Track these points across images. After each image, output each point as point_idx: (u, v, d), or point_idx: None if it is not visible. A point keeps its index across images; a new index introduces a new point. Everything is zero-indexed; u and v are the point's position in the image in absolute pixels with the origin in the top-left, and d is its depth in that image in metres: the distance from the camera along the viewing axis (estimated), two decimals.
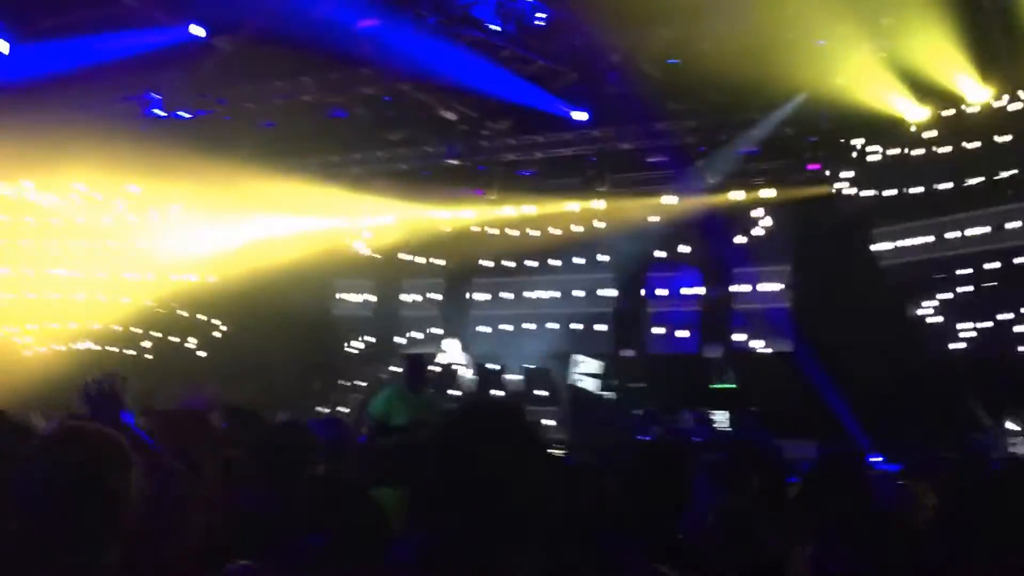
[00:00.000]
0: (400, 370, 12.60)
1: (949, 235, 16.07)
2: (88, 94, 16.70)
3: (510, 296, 21.38)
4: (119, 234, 21.78)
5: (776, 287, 18.53)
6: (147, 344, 21.39)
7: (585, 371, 18.35)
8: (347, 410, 17.34)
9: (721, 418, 15.85)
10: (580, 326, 20.60)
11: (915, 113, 15.19)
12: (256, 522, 4.22)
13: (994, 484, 5.45)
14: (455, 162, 19.31)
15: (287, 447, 5.27)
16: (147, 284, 21.39)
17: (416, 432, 9.08)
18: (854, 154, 16.53)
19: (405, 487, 5.77)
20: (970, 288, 15.94)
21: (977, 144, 15.22)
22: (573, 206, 20.17)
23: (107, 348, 21.37)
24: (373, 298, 22.61)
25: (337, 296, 22.65)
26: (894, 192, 16.39)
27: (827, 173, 17.13)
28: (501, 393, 18.14)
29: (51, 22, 14.97)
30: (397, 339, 21.60)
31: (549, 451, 3.18)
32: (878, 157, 16.27)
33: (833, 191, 16.95)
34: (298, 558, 3.58)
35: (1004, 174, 15.18)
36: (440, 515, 2.85)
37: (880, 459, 12.94)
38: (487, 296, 21.59)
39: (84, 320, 21.50)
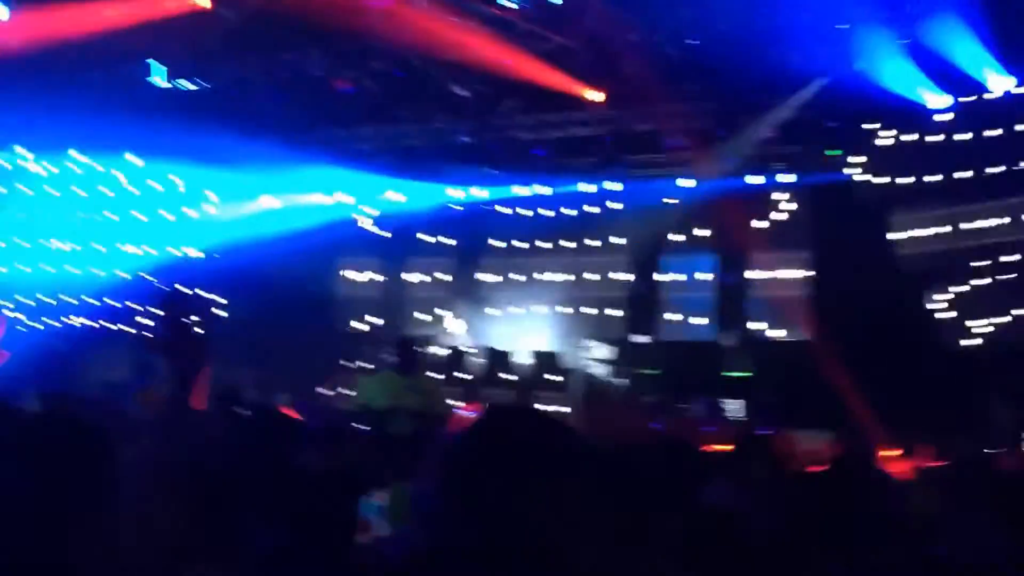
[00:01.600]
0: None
1: (966, 225, 15.85)
2: (88, 61, 16.49)
3: (521, 278, 21.11)
4: (117, 206, 21.49)
5: (793, 274, 18.25)
6: (146, 321, 21.08)
7: (596, 356, 18.14)
8: (353, 393, 17.10)
9: (734, 406, 15.71)
10: (592, 310, 20.35)
11: (936, 100, 15.01)
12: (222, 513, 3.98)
13: (1010, 481, 5.25)
14: (467, 139, 19.10)
15: (260, 435, 4.98)
16: (146, 259, 21.10)
17: (390, 419, 8.82)
18: (874, 140, 16.32)
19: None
20: (987, 280, 15.72)
21: (998, 132, 15.03)
22: (587, 187, 19.94)
23: (103, 324, 21.13)
24: (380, 277, 22.34)
25: (342, 275, 22.37)
26: (913, 180, 16.18)
27: (846, 159, 16.92)
28: (512, 377, 17.97)
29: None
30: (403, 319, 21.33)
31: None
32: (898, 144, 16.07)
33: (852, 178, 16.72)
34: (258, 557, 3.35)
35: None
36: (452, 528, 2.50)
37: (894, 452, 12.75)
38: (498, 278, 21.32)
39: (79, 295, 21.24)
